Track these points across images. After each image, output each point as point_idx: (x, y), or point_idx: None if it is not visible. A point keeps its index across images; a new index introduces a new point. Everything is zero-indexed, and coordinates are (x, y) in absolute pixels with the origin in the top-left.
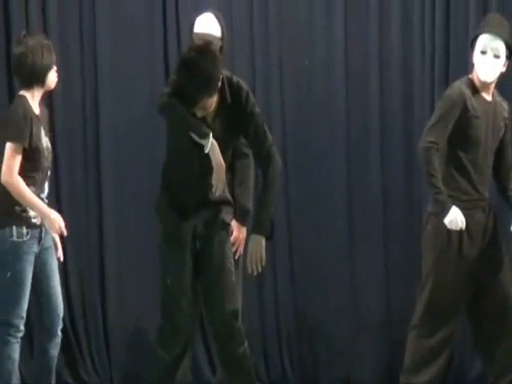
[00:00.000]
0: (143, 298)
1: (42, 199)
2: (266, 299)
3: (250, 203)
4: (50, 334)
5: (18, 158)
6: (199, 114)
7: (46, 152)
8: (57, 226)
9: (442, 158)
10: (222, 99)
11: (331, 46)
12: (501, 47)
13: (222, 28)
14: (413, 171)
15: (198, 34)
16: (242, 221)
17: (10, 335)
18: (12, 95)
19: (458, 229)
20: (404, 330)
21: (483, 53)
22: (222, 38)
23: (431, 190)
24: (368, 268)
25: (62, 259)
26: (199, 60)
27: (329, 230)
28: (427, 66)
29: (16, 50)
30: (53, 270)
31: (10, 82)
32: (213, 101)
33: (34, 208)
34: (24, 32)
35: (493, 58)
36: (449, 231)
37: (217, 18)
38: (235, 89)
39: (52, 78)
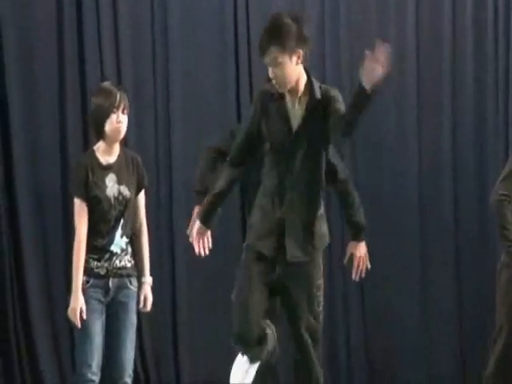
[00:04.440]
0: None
1: (111, 251)
2: None
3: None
4: None
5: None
6: (270, 73)
7: (112, 200)
8: (72, 314)
9: None
10: (310, 96)
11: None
12: None
13: None
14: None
15: None
16: (360, 238)
17: None
18: None
19: None
20: None
21: None
22: None
23: (504, 243)
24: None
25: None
26: (280, 14)
27: (401, 259)
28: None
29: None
30: (124, 325)
31: None
32: (283, 59)
33: (73, 278)
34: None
35: None
36: None
37: None
38: (324, 91)
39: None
